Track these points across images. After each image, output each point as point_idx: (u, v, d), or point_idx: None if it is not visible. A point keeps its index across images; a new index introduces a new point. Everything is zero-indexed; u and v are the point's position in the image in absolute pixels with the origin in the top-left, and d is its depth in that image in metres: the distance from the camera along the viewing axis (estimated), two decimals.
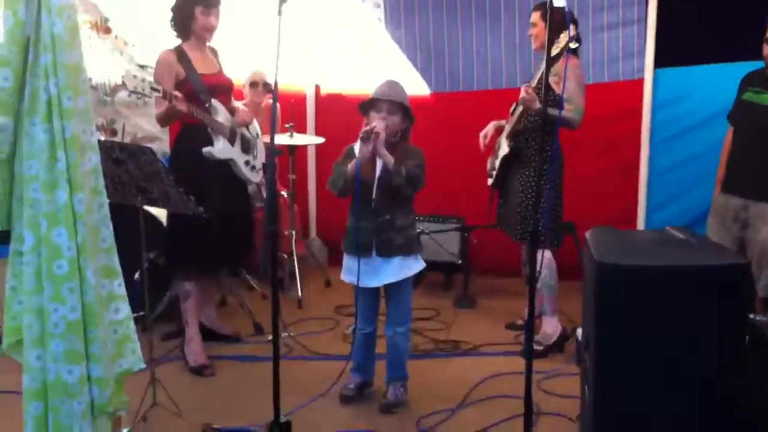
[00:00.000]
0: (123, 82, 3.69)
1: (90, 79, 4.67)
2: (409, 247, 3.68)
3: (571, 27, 3.91)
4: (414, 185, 3.60)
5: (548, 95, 3.70)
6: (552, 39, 3.42)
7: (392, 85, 3.63)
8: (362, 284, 3.67)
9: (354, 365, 3.90)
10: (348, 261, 3.72)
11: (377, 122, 3.50)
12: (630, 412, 2.83)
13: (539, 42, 4.43)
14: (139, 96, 3.79)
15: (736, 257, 3.27)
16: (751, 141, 4.13)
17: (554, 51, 4.00)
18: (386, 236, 3.61)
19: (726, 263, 2.84)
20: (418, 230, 5.42)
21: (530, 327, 3.15)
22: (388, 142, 3.57)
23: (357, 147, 3.56)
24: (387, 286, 3.70)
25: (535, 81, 4.32)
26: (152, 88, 3.75)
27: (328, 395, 3.83)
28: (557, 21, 3.46)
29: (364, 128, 3.50)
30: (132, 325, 2.93)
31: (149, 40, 5.52)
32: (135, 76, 3.71)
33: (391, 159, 3.51)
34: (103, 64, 5.95)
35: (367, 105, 3.62)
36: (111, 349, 2.87)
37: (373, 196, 3.60)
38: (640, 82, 5.46)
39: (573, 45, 3.99)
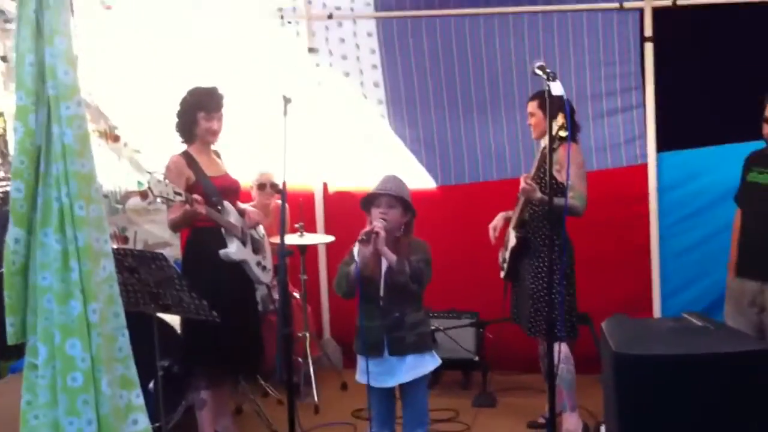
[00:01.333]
0: (149, 188, 3.70)
1: (101, 187, 4.74)
2: (422, 345, 3.59)
3: (560, 116, 3.93)
4: (419, 281, 3.53)
5: (552, 184, 3.75)
6: (551, 128, 3.46)
7: (390, 179, 3.62)
8: (376, 384, 3.57)
9: None
10: (361, 362, 3.61)
11: (376, 222, 3.47)
12: None
13: (538, 131, 4.50)
14: (164, 201, 3.82)
15: (756, 343, 3.24)
16: (761, 222, 4.12)
17: (545, 141, 4.05)
18: (398, 335, 3.53)
19: (747, 349, 2.81)
20: (432, 327, 5.40)
21: (553, 425, 3.08)
22: (392, 237, 3.54)
23: (356, 249, 3.51)
24: (402, 387, 3.60)
25: (533, 170, 4.36)
26: (176, 193, 3.79)
27: None
28: (555, 110, 3.52)
29: (364, 230, 3.46)
30: None
31: (157, 146, 5.61)
32: (159, 181, 3.74)
33: (393, 257, 3.46)
34: (112, 172, 6.04)
35: (367, 201, 3.61)
36: None
37: (381, 293, 3.55)
38: (643, 167, 5.47)
39: (563, 133, 4.03)
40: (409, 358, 3.55)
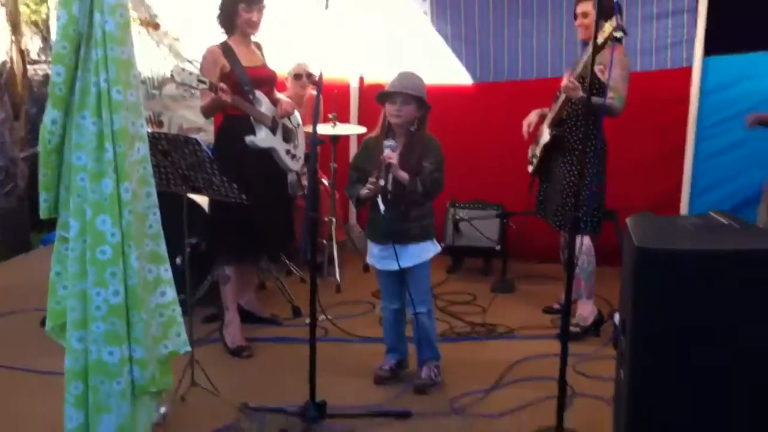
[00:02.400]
0: (171, 75, 3.84)
1: (139, 74, 4.81)
2: (423, 236, 3.79)
3: (616, 17, 3.89)
4: (432, 195, 3.73)
5: (593, 83, 3.72)
6: (599, 28, 3.41)
7: (405, 76, 3.71)
8: (382, 267, 3.84)
9: (387, 346, 3.99)
10: (371, 246, 3.89)
11: (387, 151, 3.57)
12: (666, 395, 2.82)
13: (590, 32, 4.38)
14: (186, 88, 3.91)
15: None
16: None
17: (599, 40, 3.99)
18: (401, 227, 3.70)
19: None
20: (457, 217, 5.51)
21: (567, 309, 3.17)
22: (406, 131, 3.67)
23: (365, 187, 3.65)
24: (406, 270, 3.77)
25: (578, 69, 4.31)
26: (199, 81, 3.89)
27: (364, 376, 3.92)
28: (605, 11, 3.52)
29: (371, 180, 3.61)
30: (178, 308, 3.01)
31: (198, 35, 5.61)
32: (183, 70, 3.86)
33: (406, 177, 3.61)
34: (151, 59, 6.07)
35: (382, 96, 3.70)
36: (156, 332, 2.94)
37: (389, 187, 3.65)
38: (688, 70, 5.40)
39: (618, 34, 3.97)
40: (411, 246, 3.75)
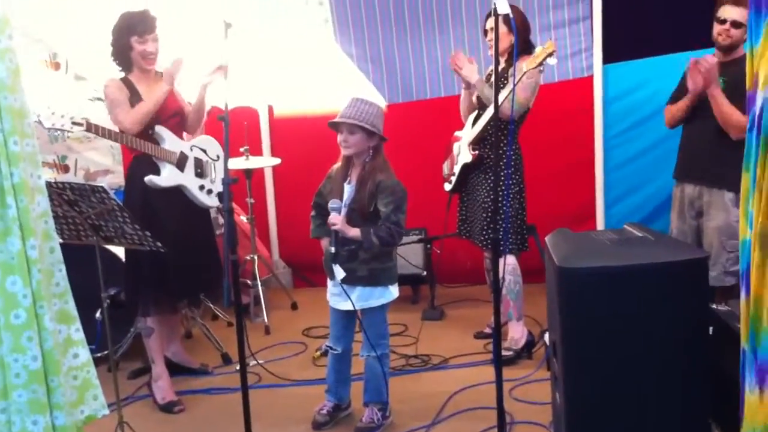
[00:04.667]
0: (39, 121, 3.65)
1: (33, 122, 4.63)
2: (373, 280, 3.64)
3: (549, 42, 4.09)
4: (392, 244, 3.61)
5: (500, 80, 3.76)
6: (499, 41, 3.42)
7: (352, 104, 3.56)
8: (332, 304, 3.73)
9: (327, 387, 3.87)
10: (328, 281, 3.75)
11: (332, 215, 3.49)
12: (601, 414, 2.86)
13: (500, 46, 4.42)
14: (59, 133, 3.80)
15: (694, 251, 3.31)
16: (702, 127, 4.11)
17: (532, 64, 4.13)
18: (350, 266, 3.58)
19: (684, 258, 2.89)
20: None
21: (498, 335, 3.17)
22: (361, 162, 3.58)
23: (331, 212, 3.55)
24: (361, 311, 3.67)
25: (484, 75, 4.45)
26: (73, 123, 3.76)
27: (302, 422, 3.81)
28: (518, 26, 3.74)
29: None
30: (93, 370, 2.90)
31: (102, 72, 5.43)
32: (53, 113, 3.71)
33: (358, 234, 3.50)
34: (54, 100, 5.83)
35: (333, 126, 3.61)
36: (71, 396, 2.83)
37: (341, 250, 3.57)
38: (589, 80, 5.48)
39: (551, 61, 4.12)
40: (359, 288, 3.63)
